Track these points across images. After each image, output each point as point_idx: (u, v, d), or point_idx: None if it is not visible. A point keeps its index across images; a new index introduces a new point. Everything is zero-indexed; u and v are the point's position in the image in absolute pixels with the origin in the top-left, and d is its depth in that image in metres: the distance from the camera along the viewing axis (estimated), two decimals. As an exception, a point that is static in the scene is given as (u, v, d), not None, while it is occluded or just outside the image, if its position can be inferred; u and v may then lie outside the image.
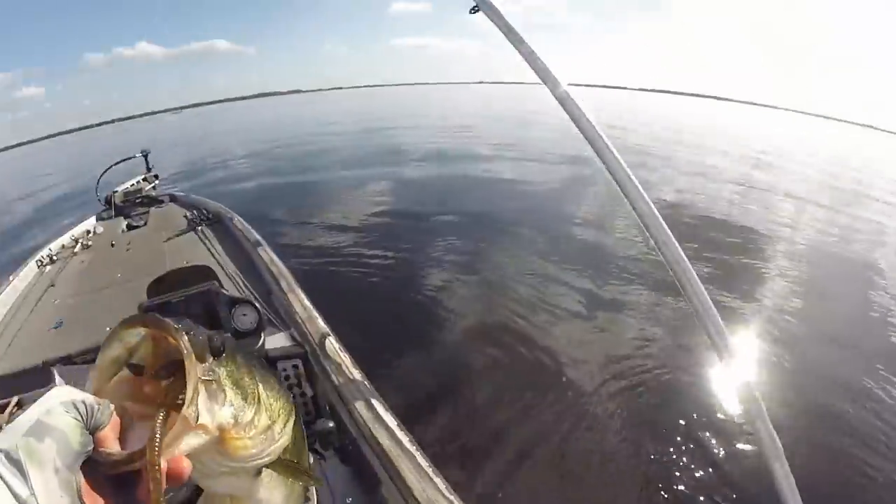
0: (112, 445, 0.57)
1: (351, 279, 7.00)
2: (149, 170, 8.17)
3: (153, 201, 7.30)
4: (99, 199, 7.39)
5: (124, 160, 8.23)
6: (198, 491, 0.72)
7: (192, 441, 0.58)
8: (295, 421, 0.74)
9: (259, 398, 0.66)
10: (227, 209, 5.79)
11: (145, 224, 6.46)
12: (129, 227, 6.51)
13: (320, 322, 2.86)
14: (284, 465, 0.71)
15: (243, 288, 3.55)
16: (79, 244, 5.80)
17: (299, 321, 2.90)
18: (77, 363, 3.25)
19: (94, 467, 0.55)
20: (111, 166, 8.06)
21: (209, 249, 4.79)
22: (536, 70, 1.52)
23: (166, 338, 0.60)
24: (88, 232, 6.28)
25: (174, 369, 0.61)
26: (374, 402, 2.19)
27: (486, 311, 5.84)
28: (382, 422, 2.07)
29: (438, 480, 1.75)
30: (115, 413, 0.58)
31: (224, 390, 0.62)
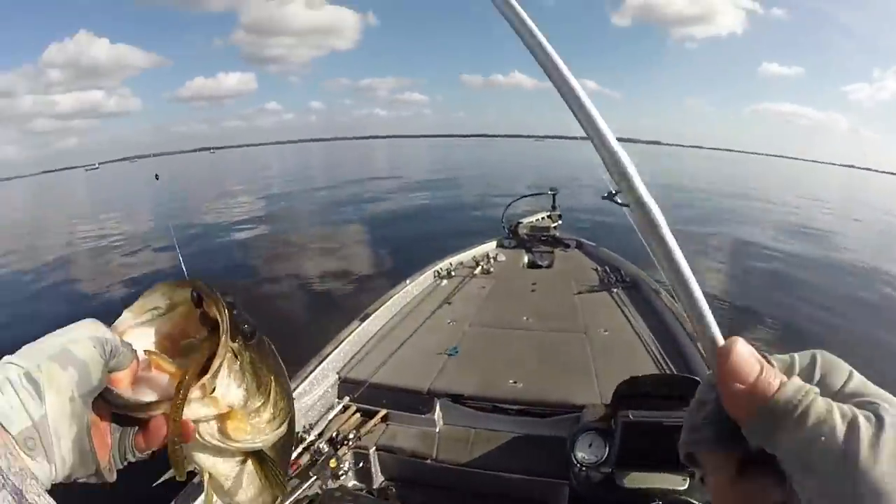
0: (124, 389, 0.60)
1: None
2: (554, 208, 8.25)
3: (558, 242, 7.26)
4: (503, 226, 7.66)
5: (535, 195, 8.72)
6: None
7: (200, 410, 0.60)
8: (288, 430, 0.75)
9: (270, 392, 0.69)
10: (646, 275, 5.35)
11: (549, 266, 6.47)
12: (531, 264, 6.63)
13: None
14: (267, 461, 0.73)
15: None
16: (479, 266, 5.93)
17: None
18: (467, 405, 3.20)
19: (99, 406, 0.58)
20: (521, 197, 8.51)
21: (630, 322, 4.33)
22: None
23: (207, 307, 0.63)
24: (489, 256, 6.41)
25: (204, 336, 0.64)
26: None
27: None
28: None
29: None
30: (135, 359, 0.61)
31: (244, 373, 0.65)
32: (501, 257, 6.53)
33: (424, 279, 5.47)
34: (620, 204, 0.48)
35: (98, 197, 52.12)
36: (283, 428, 0.72)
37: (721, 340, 0.44)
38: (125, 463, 0.62)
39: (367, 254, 13.55)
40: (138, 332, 0.63)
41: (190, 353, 0.63)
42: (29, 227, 30.20)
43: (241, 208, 25.06)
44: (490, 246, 7.06)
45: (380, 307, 4.44)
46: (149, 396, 0.60)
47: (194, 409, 0.59)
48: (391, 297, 4.69)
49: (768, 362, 0.42)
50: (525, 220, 7.70)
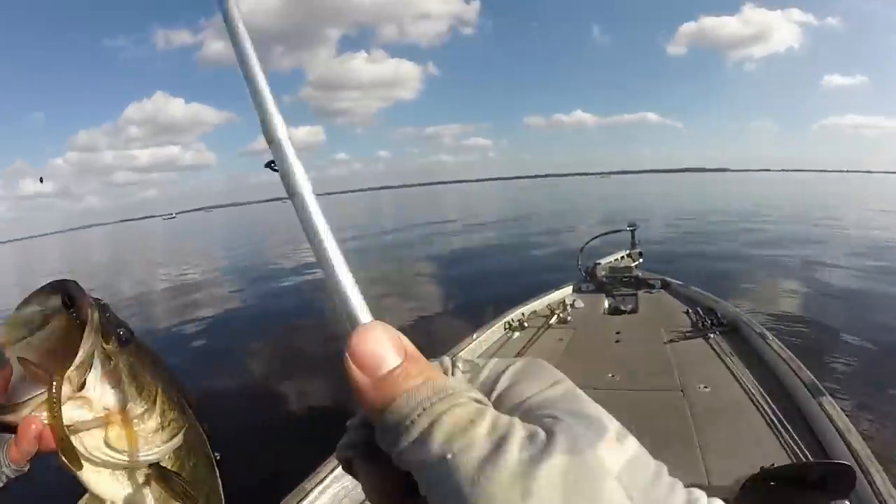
0: None
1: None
2: (634, 245, 7.69)
3: (641, 283, 6.67)
4: (579, 268, 7.16)
5: (612, 232, 8.17)
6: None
7: (73, 412, 0.58)
8: (193, 450, 0.72)
9: (155, 400, 0.67)
10: (746, 315, 4.76)
11: (633, 311, 5.94)
12: (613, 310, 6.11)
13: None
14: (171, 478, 0.68)
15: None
16: (555, 315, 5.47)
17: None
18: None
19: None
20: (596, 237, 8.00)
21: (734, 375, 3.68)
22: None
23: (78, 309, 0.61)
24: (565, 303, 5.92)
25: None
26: None
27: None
28: None
29: None
30: (5, 365, 0.59)
31: (120, 376, 0.63)
32: (579, 304, 6.02)
33: (494, 332, 5.08)
34: (275, 170, 0.45)
35: (174, 243, 54.98)
36: (177, 440, 0.69)
37: (364, 320, 0.36)
38: (3, 479, 0.61)
39: (435, 300, 13.49)
40: (14, 347, 0.60)
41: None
42: (107, 269, 32.60)
43: (308, 253, 25.73)
44: (566, 291, 6.59)
45: None
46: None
47: (67, 411, 0.57)
48: (457, 354, 4.35)
49: (453, 366, 0.36)
50: (603, 261, 7.18)
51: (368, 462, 0.35)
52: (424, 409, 0.29)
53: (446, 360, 0.36)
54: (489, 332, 4.99)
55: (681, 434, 2.99)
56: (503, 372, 0.34)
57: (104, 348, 0.61)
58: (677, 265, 12.80)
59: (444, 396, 0.30)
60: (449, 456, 0.27)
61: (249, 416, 6.52)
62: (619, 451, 0.27)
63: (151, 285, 20.62)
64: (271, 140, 0.44)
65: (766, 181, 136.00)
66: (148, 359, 0.69)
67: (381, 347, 0.33)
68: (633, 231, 7.73)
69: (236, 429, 5.23)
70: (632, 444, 0.28)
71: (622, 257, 7.42)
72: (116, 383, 0.62)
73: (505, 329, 5.19)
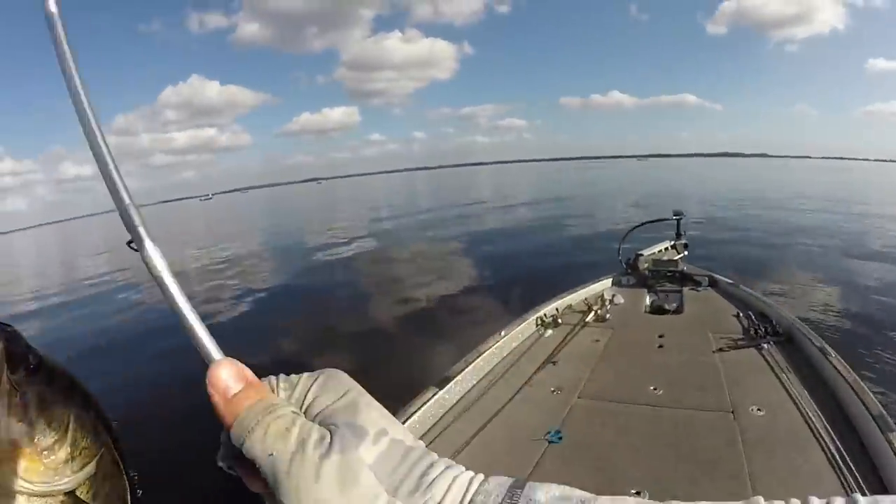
0: None
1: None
2: (679, 236, 7.15)
3: (687, 279, 6.09)
4: (620, 259, 6.68)
5: (657, 221, 7.65)
6: None
7: None
8: (107, 476, 0.69)
9: (66, 429, 0.63)
10: (801, 323, 4.26)
11: (677, 310, 5.44)
12: (655, 309, 5.63)
13: None
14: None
15: None
16: (592, 312, 5.06)
17: None
18: None
19: None
20: (642, 224, 7.49)
21: (791, 396, 3.27)
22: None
23: None
24: (603, 299, 5.42)
25: None
26: None
27: None
28: None
29: None
30: None
31: (27, 407, 0.59)
32: (619, 299, 5.45)
33: (524, 329, 4.68)
34: (135, 250, 0.53)
35: (211, 223, 56.04)
36: (90, 468, 0.66)
37: (216, 358, 0.48)
38: None
39: (466, 280, 13.33)
40: None
41: None
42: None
43: (338, 233, 26.14)
44: (605, 284, 6.11)
45: (465, 368, 3.75)
46: None
47: None
48: (480, 355, 3.99)
49: (277, 386, 0.47)
50: (646, 252, 6.63)
51: (244, 464, 0.44)
52: (258, 421, 0.41)
53: (273, 379, 0.48)
54: (519, 329, 4.62)
55: (729, 462, 2.73)
56: (310, 387, 0.46)
57: (10, 379, 0.59)
58: (711, 251, 12.60)
59: (271, 411, 0.42)
60: (273, 454, 0.39)
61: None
62: (372, 449, 0.39)
63: (184, 264, 21.16)
64: (131, 236, 0.52)
65: (806, 168, 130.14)
66: (60, 384, 0.66)
67: (228, 378, 0.45)
68: (678, 220, 7.20)
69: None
70: (384, 441, 0.40)
71: (666, 249, 6.96)
72: (23, 416, 0.60)
73: (537, 325, 4.84)
